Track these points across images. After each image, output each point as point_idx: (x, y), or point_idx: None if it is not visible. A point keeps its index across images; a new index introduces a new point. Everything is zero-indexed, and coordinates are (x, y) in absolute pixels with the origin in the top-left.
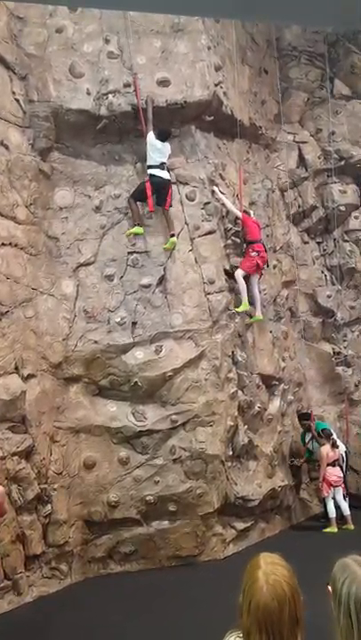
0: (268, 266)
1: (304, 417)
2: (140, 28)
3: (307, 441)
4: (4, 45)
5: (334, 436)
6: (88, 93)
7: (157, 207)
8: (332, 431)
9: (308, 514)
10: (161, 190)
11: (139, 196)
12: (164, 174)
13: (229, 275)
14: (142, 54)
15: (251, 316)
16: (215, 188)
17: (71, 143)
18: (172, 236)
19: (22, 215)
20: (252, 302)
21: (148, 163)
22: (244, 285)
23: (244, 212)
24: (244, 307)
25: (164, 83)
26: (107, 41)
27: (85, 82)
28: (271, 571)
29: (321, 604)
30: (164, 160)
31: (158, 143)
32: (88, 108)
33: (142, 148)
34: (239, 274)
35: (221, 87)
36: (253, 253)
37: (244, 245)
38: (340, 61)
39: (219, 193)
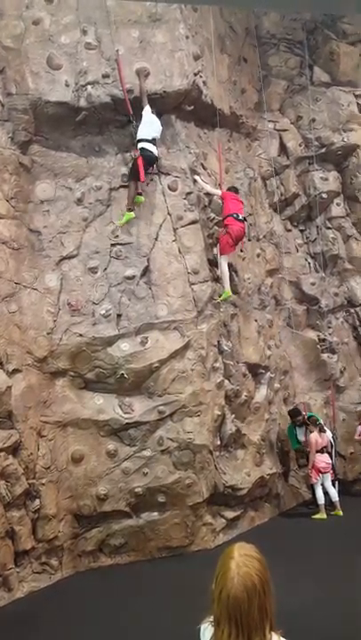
0: (249, 239)
1: (296, 413)
2: (118, 19)
3: (296, 434)
4: None
5: (321, 422)
6: (67, 85)
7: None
8: (318, 417)
9: (298, 501)
10: (149, 166)
11: (135, 174)
12: (154, 150)
13: (213, 264)
14: (120, 44)
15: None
16: (197, 177)
17: (51, 135)
18: (140, 194)
19: (3, 209)
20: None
21: (140, 136)
22: (227, 272)
23: (230, 188)
24: (227, 294)
25: (142, 73)
26: (84, 32)
27: (64, 73)
28: (243, 562)
29: (307, 589)
30: (157, 135)
31: (154, 118)
32: (67, 100)
33: (123, 139)
34: (224, 259)
35: (201, 76)
36: (223, 231)
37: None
38: (319, 48)
39: (200, 181)
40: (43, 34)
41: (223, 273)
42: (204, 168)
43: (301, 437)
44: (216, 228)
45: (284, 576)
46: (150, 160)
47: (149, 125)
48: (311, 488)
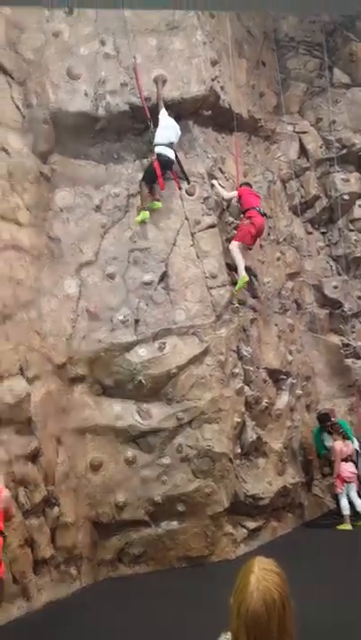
0: (263, 242)
1: (325, 418)
2: (135, 28)
3: (323, 440)
4: (3, 52)
5: (348, 428)
6: (86, 95)
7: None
8: (345, 425)
9: (322, 511)
10: (165, 170)
11: (149, 178)
12: (171, 154)
13: (232, 268)
14: (138, 53)
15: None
16: (214, 182)
17: (70, 144)
18: (157, 200)
19: (24, 218)
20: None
21: (156, 141)
22: (241, 258)
23: (244, 184)
24: (243, 279)
25: (160, 79)
26: (103, 42)
27: (83, 83)
28: (263, 577)
29: (331, 603)
30: (173, 140)
31: (170, 121)
32: (86, 110)
33: (141, 146)
34: (234, 245)
35: (218, 82)
36: (246, 221)
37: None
38: (339, 50)
39: (218, 186)
40: (62, 45)
41: (237, 259)
42: (222, 172)
43: (329, 444)
44: (234, 232)
45: (306, 589)
46: (166, 164)
47: (165, 130)
48: (336, 498)
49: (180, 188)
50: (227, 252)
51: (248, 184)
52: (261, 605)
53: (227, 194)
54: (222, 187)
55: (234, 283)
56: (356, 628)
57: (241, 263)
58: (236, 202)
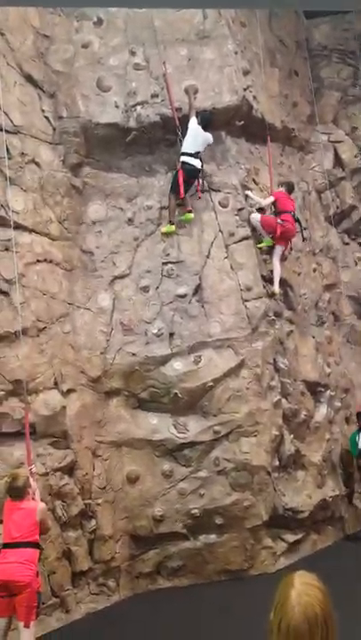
0: (304, 239)
1: None
2: (166, 38)
3: (358, 440)
4: (32, 64)
5: None
6: (116, 106)
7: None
8: None
9: None
10: (191, 179)
11: (175, 187)
12: (197, 163)
13: (267, 280)
14: (169, 63)
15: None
16: (248, 193)
17: (101, 157)
18: (190, 211)
19: (56, 231)
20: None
21: (183, 149)
22: (260, 225)
23: (282, 184)
24: (266, 242)
25: (191, 89)
26: (133, 53)
27: (113, 95)
28: (304, 591)
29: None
30: (200, 150)
31: (199, 131)
32: (117, 121)
33: (172, 158)
34: (253, 218)
35: (251, 91)
36: (279, 221)
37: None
38: None
39: (252, 196)
40: (92, 56)
41: (256, 224)
42: (256, 183)
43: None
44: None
45: (346, 603)
46: (192, 173)
47: (193, 139)
48: None
49: (199, 197)
50: (261, 263)
51: (288, 185)
52: (303, 621)
53: (264, 201)
54: (256, 197)
55: (269, 295)
56: None
57: (260, 227)
58: (272, 206)
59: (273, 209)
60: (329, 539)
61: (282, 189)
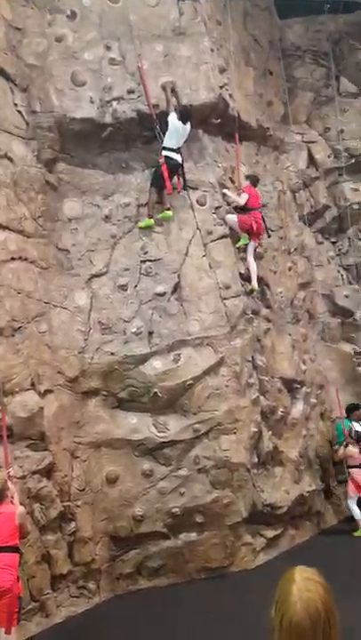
0: (269, 235)
1: (354, 407)
2: (142, 33)
3: (343, 429)
4: (4, 57)
5: None
6: (91, 102)
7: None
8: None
9: (339, 518)
10: (173, 173)
11: (157, 182)
12: (178, 158)
13: (245, 278)
14: (145, 59)
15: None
16: (226, 191)
17: (77, 153)
18: (168, 209)
19: (31, 228)
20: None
21: (165, 144)
22: (236, 225)
23: (248, 176)
24: (244, 240)
25: (168, 85)
26: (108, 48)
27: (88, 90)
28: (306, 587)
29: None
30: (181, 144)
31: (180, 126)
32: (92, 117)
33: (149, 155)
34: (229, 218)
35: (227, 89)
36: (251, 218)
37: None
38: (345, 59)
39: (228, 194)
40: (66, 50)
41: (231, 222)
42: (233, 182)
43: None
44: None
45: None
46: (174, 168)
47: (174, 134)
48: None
49: (179, 192)
50: (239, 262)
51: (253, 178)
52: (306, 618)
53: (240, 199)
54: (232, 195)
55: (247, 293)
56: None
57: (235, 225)
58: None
59: (242, 206)
60: (307, 533)
61: (247, 183)
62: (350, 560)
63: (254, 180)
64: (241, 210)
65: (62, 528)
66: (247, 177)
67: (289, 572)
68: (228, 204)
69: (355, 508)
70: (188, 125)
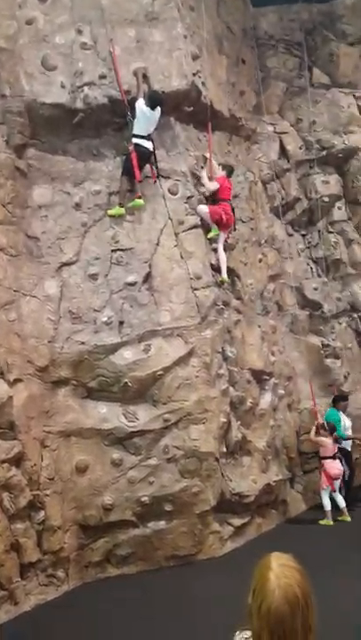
0: (235, 229)
1: (341, 398)
2: (114, 18)
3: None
4: None
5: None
6: (62, 86)
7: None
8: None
9: (304, 507)
10: (143, 162)
11: (128, 170)
12: (149, 145)
13: (216, 269)
14: (117, 44)
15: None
16: (202, 172)
17: (47, 139)
18: (139, 197)
19: (0, 215)
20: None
21: (134, 132)
22: (208, 216)
23: (223, 166)
24: (215, 231)
25: (140, 71)
26: (79, 32)
27: (59, 74)
28: (283, 573)
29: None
30: (151, 131)
31: (148, 111)
32: (63, 102)
33: (121, 143)
34: (201, 209)
35: (200, 77)
36: (220, 209)
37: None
38: (319, 50)
39: (204, 177)
40: (37, 34)
41: (203, 214)
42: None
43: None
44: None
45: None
46: (144, 156)
47: (144, 120)
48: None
49: (155, 182)
50: (210, 252)
51: (229, 168)
52: (284, 604)
53: (210, 185)
54: (205, 179)
55: (218, 284)
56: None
57: (207, 217)
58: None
59: (212, 197)
60: (273, 522)
61: (223, 173)
62: (315, 547)
63: (229, 170)
64: (213, 201)
65: (31, 517)
66: (223, 167)
67: (265, 558)
68: (200, 193)
69: (325, 499)
70: (158, 111)
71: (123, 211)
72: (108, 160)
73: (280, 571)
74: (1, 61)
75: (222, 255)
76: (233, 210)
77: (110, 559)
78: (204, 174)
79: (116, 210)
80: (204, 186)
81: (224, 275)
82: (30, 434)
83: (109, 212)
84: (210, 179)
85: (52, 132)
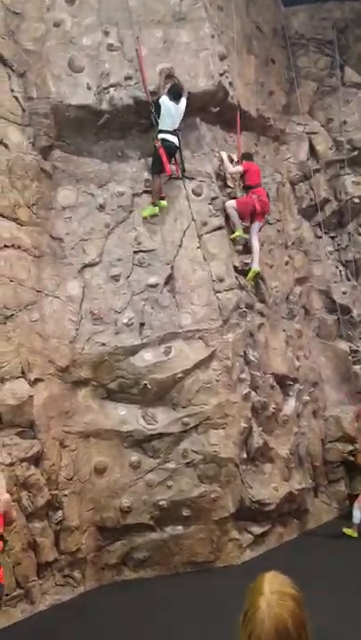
0: (269, 214)
1: None
2: (141, 19)
3: None
4: (1, 42)
5: None
6: (88, 88)
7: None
8: None
9: (328, 517)
10: (170, 156)
11: (157, 166)
12: (175, 140)
13: (239, 272)
14: (143, 45)
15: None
16: (223, 153)
17: (72, 140)
18: (163, 198)
19: (24, 216)
20: (251, 253)
21: (161, 127)
22: (236, 213)
23: (246, 156)
24: (239, 232)
25: (164, 72)
26: (106, 33)
27: (85, 76)
28: (275, 601)
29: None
30: (177, 126)
31: (172, 105)
32: (89, 103)
33: (145, 144)
34: (229, 205)
35: (227, 77)
36: (254, 196)
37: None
38: (350, 48)
39: (225, 159)
40: (64, 36)
41: (231, 214)
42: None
43: None
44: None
45: (310, 596)
46: (171, 150)
47: (169, 116)
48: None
49: (178, 177)
50: (234, 254)
51: (251, 156)
52: (273, 636)
53: (232, 168)
54: (231, 161)
55: (241, 287)
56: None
57: (236, 218)
58: (240, 177)
59: (242, 184)
60: (294, 531)
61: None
62: (336, 560)
63: (248, 156)
64: (243, 188)
65: (49, 516)
66: (243, 156)
67: (259, 579)
68: (225, 194)
69: (356, 512)
70: (183, 102)
71: (157, 210)
72: (133, 161)
73: (272, 598)
74: (29, 64)
75: (256, 244)
76: (267, 194)
77: (127, 562)
78: (224, 156)
79: (150, 210)
80: (226, 170)
81: (256, 265)
82: (50, 433)
83: (143, 212)
84: (231, 162)
85: (77, 133)
